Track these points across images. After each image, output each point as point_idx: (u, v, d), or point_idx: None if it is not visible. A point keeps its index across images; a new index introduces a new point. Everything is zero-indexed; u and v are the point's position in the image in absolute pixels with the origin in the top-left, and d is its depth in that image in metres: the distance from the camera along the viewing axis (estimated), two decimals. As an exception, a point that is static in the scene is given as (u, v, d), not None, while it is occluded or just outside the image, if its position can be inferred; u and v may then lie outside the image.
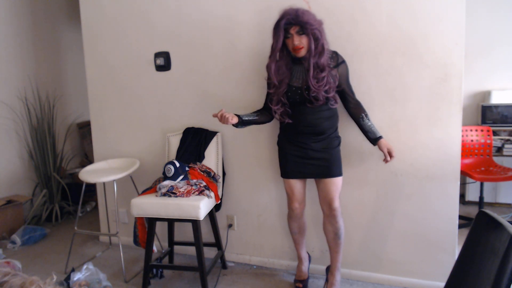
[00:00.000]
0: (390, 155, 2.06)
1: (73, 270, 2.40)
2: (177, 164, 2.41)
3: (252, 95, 2.50)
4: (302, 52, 1.98)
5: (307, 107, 2.05)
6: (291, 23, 1.93)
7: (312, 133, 2.08)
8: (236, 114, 2.06)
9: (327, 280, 2.28)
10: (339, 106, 2.12)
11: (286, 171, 2.19)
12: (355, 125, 2.18)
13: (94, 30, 2.98)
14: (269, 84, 2.13)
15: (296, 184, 2.20)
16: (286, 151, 2.17)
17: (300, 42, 1.96)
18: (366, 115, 2.11)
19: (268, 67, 2.08)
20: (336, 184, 2.12)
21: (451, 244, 2.20)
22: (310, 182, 2.31)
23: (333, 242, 2.19)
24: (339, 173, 2.12)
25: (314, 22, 1.94)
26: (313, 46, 1.95)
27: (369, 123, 2.10)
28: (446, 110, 2.12)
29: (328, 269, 2.31)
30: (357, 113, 2.12)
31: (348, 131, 2.30)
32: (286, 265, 2.59)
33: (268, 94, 2.19)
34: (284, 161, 2.18)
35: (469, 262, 1.20)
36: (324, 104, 2.04)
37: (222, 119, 2.01)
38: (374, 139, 2.09)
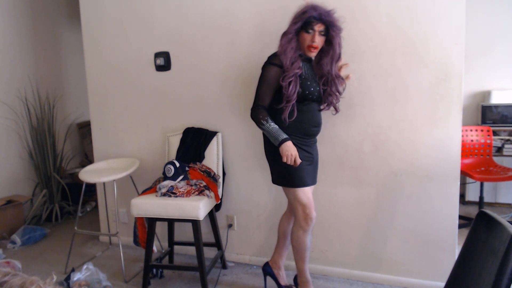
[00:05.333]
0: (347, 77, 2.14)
1: (73, 270, 2.40)
2: (177, 164, 2.41)
3: (252, 95, 2.49)
4: (314, 53, 1.91)
5: (317, 106, 2.02)
6: (321, 19, 1.81)
7: (316, 134, 2.06)
8: (284, 139, 1.87)
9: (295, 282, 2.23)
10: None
11: (303, 178, 1.94)
12: (354, 126, 2.18)
13: (94, 30, 2.98)
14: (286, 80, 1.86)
15: (310, 190, 2.03)
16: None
17: (319, 42, 1.87)
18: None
19: (283, 47, 1.85)
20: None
21: (451, 244, 2.20)
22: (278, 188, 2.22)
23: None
24: None
25: (340, 28, 1.89)
26: (338, 51, 1.90)
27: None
28: (446, 110, 2.12)
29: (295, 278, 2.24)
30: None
31: (348, 132, 2.30)
32: (286, 265, 2.58)
33: (265, 95, 1.99)
34: (298, 167, 1.92)
35: (469, 262, 1.20)
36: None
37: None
38: None
